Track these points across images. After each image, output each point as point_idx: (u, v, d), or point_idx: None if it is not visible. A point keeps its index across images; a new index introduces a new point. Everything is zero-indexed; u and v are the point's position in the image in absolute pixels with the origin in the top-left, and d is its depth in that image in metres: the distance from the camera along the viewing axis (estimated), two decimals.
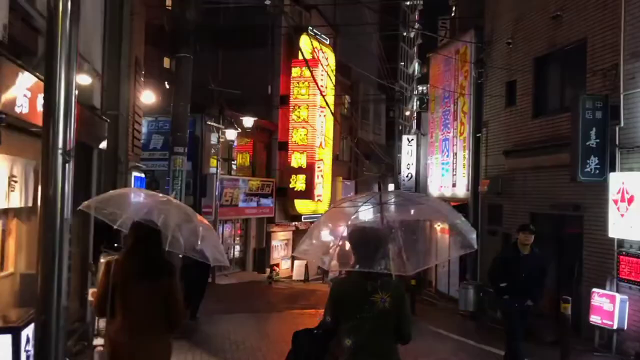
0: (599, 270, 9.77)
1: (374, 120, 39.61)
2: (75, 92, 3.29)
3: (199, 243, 4.40)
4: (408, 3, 51.25)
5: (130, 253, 4.00)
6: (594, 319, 8.78)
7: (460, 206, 14.76)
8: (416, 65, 52.71)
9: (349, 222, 3.47)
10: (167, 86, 14.99)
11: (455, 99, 15.50)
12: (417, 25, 53.44)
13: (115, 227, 4.44)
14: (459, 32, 16.64)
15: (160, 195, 5.07)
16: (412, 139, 19.03)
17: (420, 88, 53.04)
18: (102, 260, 6.84)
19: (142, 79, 13.23)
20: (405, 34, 50.03)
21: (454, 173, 15.40)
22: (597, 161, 9.26)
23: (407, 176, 19.21)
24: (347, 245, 3.47)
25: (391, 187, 41.64)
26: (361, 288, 3.31)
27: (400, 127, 52.01)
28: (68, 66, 3.13)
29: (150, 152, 22.52)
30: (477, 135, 14.35)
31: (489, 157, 13.92)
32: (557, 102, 11.60)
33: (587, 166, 9.26)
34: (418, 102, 55.87)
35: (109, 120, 8.72)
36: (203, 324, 11.20)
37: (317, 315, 13.43)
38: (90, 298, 6.75)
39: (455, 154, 15.33)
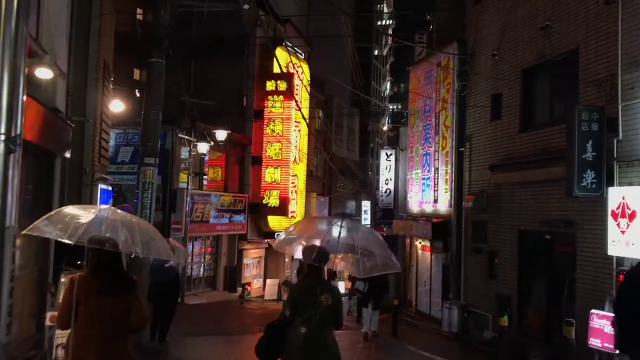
0: (593, 290, 9.33)
1: (347, 136, 39.26)
2: (24, 77, 2.80)
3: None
4: (381, 23, 51.35)
5: (94, 270, 4.09)
6: (594, 341, 8.28)
7: (443, 223, 14.28)
8: (388, 84, 52.69)
9: (311, 238, 4.91)
10: (138, 94, 14.20)
11: (437, 113, 15.10)
12: (389, 42, 53.52)
13: (72, 243, 4.27)
14: (439, 46, 16.33)
15: (103, 207, 4.86)
16: (391, 154, 18.57)
17: (391, 107, 53.00)
18: (62, 279, 6.06)
19: (111, 86, 12.46)
20: (376, 52, 49.97)
21: (436, 188, 14.93)
22: (593, 175, 8.85)
23: (385, 192, 18.71)
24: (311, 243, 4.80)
25: (366, 204, 41.27)
26: (313, 291, 4.58)
27: (372, 145, 51.86)
28: (15, 49, 2.97)
29: (117, 165, 21.56)
30: (460, 149, 13.93)
31: (473, 172, 13.49)
32: (546, 114, 11.24)
33: (584, 180, 8.84)
34: (389, 120, 55.87)
35: (73, 126, 7.95)
36: (172, 348, 10.39)
37: None
38: (48, 322, 5.94)
39: (437, 168, 14.88)
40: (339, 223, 4.94)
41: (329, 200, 35.20)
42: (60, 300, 4.45)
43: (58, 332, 5.75)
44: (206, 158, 23.11)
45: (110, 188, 12.26)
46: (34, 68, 5.28)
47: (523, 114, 11.78)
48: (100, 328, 3.94)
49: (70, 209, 4.46)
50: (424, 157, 15.79)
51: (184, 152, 21.56)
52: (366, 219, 41.08)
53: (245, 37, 25.65)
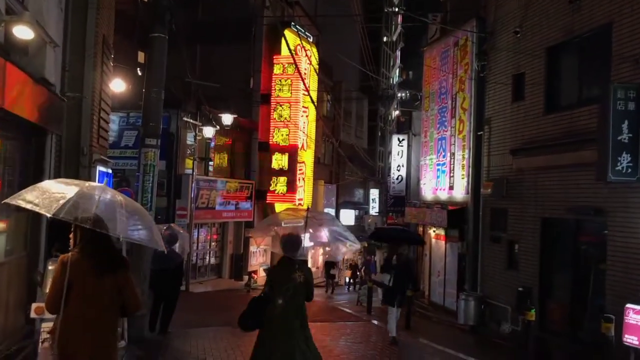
0: (625, 283, 8.67)
1: (356, 123, 38.54)
2: None
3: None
4: (391, 8, 50.36)
5: (84, 250, 3.89)
6: (629, 338, 7.63)
7: (459, 210, 13.61)
8: (397, 71, 51.80)
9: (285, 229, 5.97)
10: (140, 73, 13.55)
11: (454, 95, 14.38)
12: (399, 29, 52.61)
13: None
14: (455, 26, 15.56)
15: (92, 184, 4.34)
16: (403, 139, 17.87)
17: (400, 95, 52.16)
18: (50, 267, 5.47)
19: (112, 64, 11.81)
20: (385, 38, 49.06)
21: (451, 175, 14.24)
22: (629, 158, 8.16)
23: (397, 179, 18.03)
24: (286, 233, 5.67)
25: (374, 192, 40.65)
26: (288, 270, 5.39)
27: (383, 128, 51.16)
28: None
29: (121, 149, 21.02)
30: (479, 133, 13.23)
31: (492, 156, 12.80)
32: (574, 94, 10.52)
33: (619, 164, 8.16)
34: (398, 105, 55.05)
35: (66, 100, 7.32)
36: (174, 339, 9.81)
37: None
38: (33, 315, 5.35)
39: (453, 154, 14.18)
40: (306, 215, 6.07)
41: (337, 188, 34.55)
42: (48, 286, 4.05)
43: (44, 325, 5.15)
44: (212, 144, 22.49)
45: (110, 171, 11.66)
46: (12, 26, 4.64)
47: (548, 94, 11.06)
48: (93, 310, 3.80)
49: (52, 183, 3.94)
50: (439, 142, 15.09)
51: (190, 138, 20.93)
52: (374, 207, 40.52)
53: (252, 17, 24.96)
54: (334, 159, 34.76)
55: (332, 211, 33.82)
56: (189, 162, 20.59)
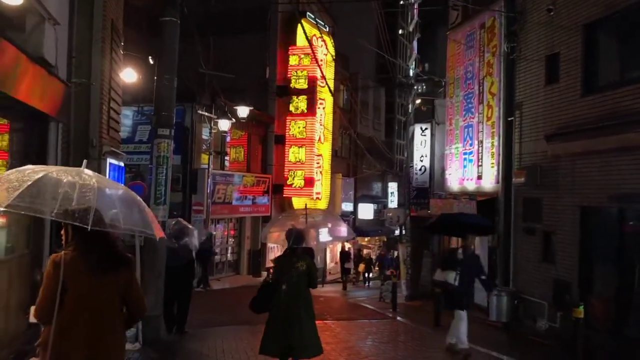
0: None
1: (373, 115, 37.82)
2: None
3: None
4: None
5: (80, 247, 3.33)
6: None
7: (488, 201, 12.89)
8: (414, 62, 50.85)
9: (291, 225, 6.77)
10: (152, 61, 13.00)
11: (481, 80, 13.63)
12: (416, 19, 51.55)
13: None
14: (478, 6, 14.80)
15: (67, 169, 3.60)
16: (426, 128, 17.14)
17: (416, 87, 51.16)
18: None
19: (122, 52, 11.26)
20: (401, 31, 48.09)
21: (480, 164, 13.51)
22: None
23: (420, 169, 17.32)
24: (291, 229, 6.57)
25: (392, 185, 39.90)
26: (291, 260, 6.25)
27: (397, 126, 50.26)
28: None
29: (135, 144, 20.60)
30: (509, 119, 12.48)
31: (524, 143, 12.05)
32: (616, 73, 9.75)
33: None
34: (416, 96, 54.08)
35: (70, 85, 6.76)
36: (191, 340, 9.29)
37: (325, 328, 11.50)
38: (32, 319, 4.78)
39: (481, 141, 13.45)
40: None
41: (355, 181, 33.90)
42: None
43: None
44: (228, 138, 21.96)
45: (122, 164, 11.13)
46: None
47: (585, 74, 10.28)
48: (92, 316, 3.28)
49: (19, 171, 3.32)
50: (465, 130, 14.36)
51: (205, 133, 20.38)
52: (393, 201, 39.78)
53: (267, 6, 24.35)
54: (351, 152, 34.11)
55: (350, 205, 33.23)
56: (204, 157, 20.08)
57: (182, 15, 9.83)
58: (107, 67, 9.80)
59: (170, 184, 9.67)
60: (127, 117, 21.22)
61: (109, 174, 9.71)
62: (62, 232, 3.38)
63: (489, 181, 13.10)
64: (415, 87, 19.25)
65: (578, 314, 8.10)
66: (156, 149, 9.55)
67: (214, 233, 20.51)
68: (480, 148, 13.56)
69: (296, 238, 6.32)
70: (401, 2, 47.73)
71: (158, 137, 9.56)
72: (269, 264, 24.11)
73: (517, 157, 12.29)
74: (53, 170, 3.42)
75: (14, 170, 3.42)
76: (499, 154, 12.70)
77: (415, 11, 40.39)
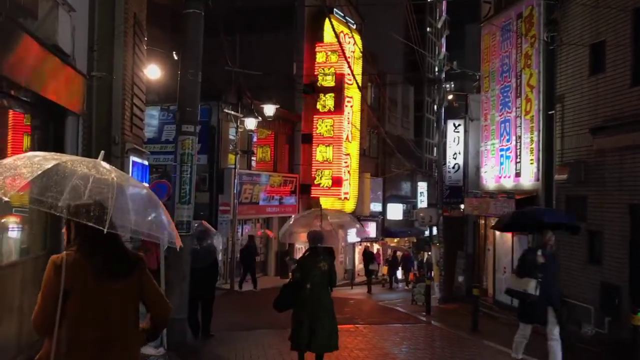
0: None
1: (402, 114, 37.15)
2: None
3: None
4: None
5: (83, 247, 2.88)
6: None
7: (528, 199, 12.23)
8: (443, 58, 50.06)
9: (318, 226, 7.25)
10: (175, 57, 12.66)
11: (518, 72, 12.98)
12: (444, 16, 50.72)
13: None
14: (505, 5, 14.17)
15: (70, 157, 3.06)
16: (459, 125, 16.51)
17: (445, 85, 50.41)
18: None
19: (145, 47, 10.95)
20: (429, 29, 47.38)
21: (518, 160, 12.86)
22: None
23: (453, 167, 16.70)
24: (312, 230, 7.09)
25: (422, 185, 39.16)
26: (314, 259, 6.61)
27: (437, 114, 49.43)
28: None
29: (162, 144, 20.38)
30: (549, 112, 11.82)
31: (566, 138, 11.38)
32: None
33: None
34: (445, 94, 53.20)
35: (87, 77, 6.41)
36: (218, 345, 8.90)
37: (357, 333, 10.98)
38: None
39: (519, 137, 12.80)
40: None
41: (383, 181, 33.29)
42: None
43: None
44: (255, 138, 21.63)
45: (146, 162, 10.81)
46: None
47: (636, 62, 9.59)
48: (99, 328, 2.82)
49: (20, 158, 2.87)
50: (502, 125, 13.71)
51: (231, 133, 20.03)
52: (422, 201, 39.03)
53: (293, 3, 24.00)
54: (379, 151, 33.51)
55: (378, 206, 32.66)
56: (231, 157, 19.76)
57: (206, 7, 9.45)
58: (130, 61, 9.48)
59: (195, 183, 9.23)
60: (153, 117, 21.06)
61: (132, 172, 9.39)
62: (64, 229, 2.94)
63: (528, 178, 12.44)
64: (444, 85, 18.59)
65: (637, 321, 7.44)
66: (180, 146, 9.12)
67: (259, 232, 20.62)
68: (518, 144, 12.91)
69: (315, 238, 6.75)
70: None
71: (182, 134, 9.15)
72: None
73: (558, 153, 11.62)
74: (67, 160, 2.95)
75: (20, 155, 2.98)
76: (539, 150, 12.04)
77: (444, 8, 39.58)
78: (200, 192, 20.29)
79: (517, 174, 12.92)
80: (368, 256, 24.62)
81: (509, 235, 13.40)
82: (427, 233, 39.91)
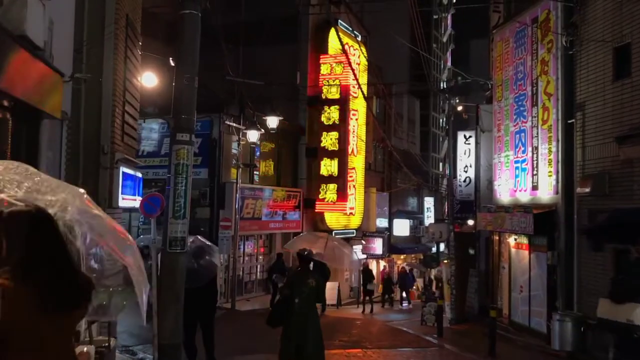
0: None
1: (408, 128, 36.48)
2: None
3: None
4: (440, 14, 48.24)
5: (23, 272, 2.06)
6: None
7: (546, 214, 11.48)
8: (447, 73, 49.66)
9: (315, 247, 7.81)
10: (172, 62, 12.02)
11: (534, 80, 12.29)
12: (449, 30, 50.47)
13: None
14: (519, 9, 13.53)
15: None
16: (470, 136, 15.81)
17: (451, 100, 49.93)
18: None
19: (139, 52, 10.32)
20: (435, 45, 46.96)
21: (535, 172, 12.12)
22: None
23: (464, 181, 15.96)
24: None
25: (429, 200, 38.36)
26: (304, 276, 6.95)
27: (447, 126, 48.75)
28: None
29: (161, 158, 19.74)
30: (569, 121, 11.12)
31: (587, 148, 10.66)
32: None
33: None
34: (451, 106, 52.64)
35: (65, 75, 5.75)
36: None
37: (366, 358, 10.21)
38: None
39: (536, 147, 12.07)
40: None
41: (389, 196, 32.52)
42: None
43: None
44: (258, 152, 20.98)
45: (139, 174, 10.12)
46: None
47: None
48: None
49: None
50: (517, 136, 13.00)
51: (234, 147, 19.36)
52: (429, 217, 38.18)
53: (297, 15, 23.51)
54: (385, 165, 32.80)
55: (385, 221, 31.85)
56: (232, 170, 19.08)
57: (207, 14, 8.84)
58: (121, 66, 8.84)
59: (190, 196, 8.46)
60: (153, 131, 20.48)
61: (123, 184, 8.70)
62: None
63: (546, 192, 11.69)
64: (449, 101, 17.87)
65: None
66: (174, 156, 8.37)
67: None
68: (534, 155, 12.18)
69: (306, 256, 7.21)
70: (435, 17, 46.50)
71: (177, 143, 8.42)
72: None
73: (579, 164, 10.90)
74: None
75: None
76: (558, 161, 11.32)
77: (449, 22, 39.09)
78: (201, 207, 19.61)
79: (534, 187, 12.18)
80: (367, 275, 22.76)
81: (525, 252, 12.63)
82: (434, 249, 39.27)
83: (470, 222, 19.12)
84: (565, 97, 11.25)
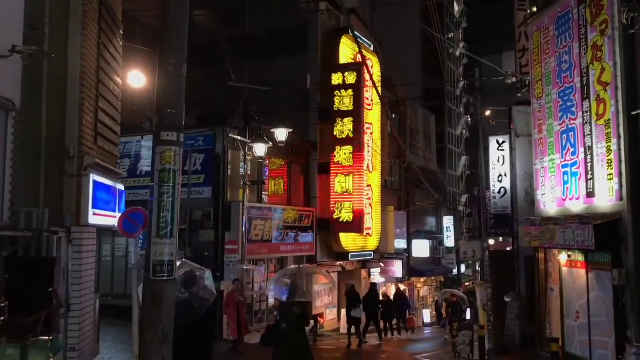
0: None
1: (424, 144, 34.74)
2: None
3: None
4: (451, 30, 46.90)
5: None
6: None
7: (608, 225, 9.59)
8: (461, 85, 48.15)
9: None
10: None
11: (583, 69, 10.55)
12: (462, 44, 49.05)
13: None
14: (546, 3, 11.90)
15: None
16: (504, 141, 14.02)
17: (466, 117, 48.47)
18: None
19: (120, 42, 8.72)
20: (450, 51, 45.56)
21: (589, 176, 10.28)
22: None
23: (499, 192, 14.12)
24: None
25: (448, 219, 36.43)
26: (288, 305, 9.72)
27: (447, 157, 47.15)
28: None
29: None
30: (633, 113, 9.33)
31: None
32: None
33: None
34: (466, 128, 51.06)
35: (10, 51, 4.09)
36: None
37: None
38: None
39: (589, 147, 10.26)
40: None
41: (407, 215, 30.64)
42: None
43: None
44: (266, 172, 19.33)
45: (122, 187, 8.42)
46: None
47: None
48: None
49: None
50: (564, 136, 11.19)
51: (241, 166, 17.65)
52: (449, 237, 36.21)
53: (306, 25, 22.13)
54: (402, 183, 31.00)
55: (403, 242, 29.93)
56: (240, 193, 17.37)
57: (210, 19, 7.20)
58: (92, 50, 7.21)
59: (179, 210, 6.62)
60: (145, 148, 18.74)
61: (94, 196, 6.99)
62: None
63: (607, 198, 9.84)
64: (477, 98, 16.09)
65: None
66: (159, 159, 6.57)
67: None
68: (588, 156, 10.37)
69: (293, 292, 11.35)
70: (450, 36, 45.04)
71: (162, 144, 6.64)
72: (316, 311, 20.88)
73: None
74: None
75: None
76: (620, 161, 9.49)
77: (461, 36, 37.60)
78: (205, 230, 17.89)
79: (590, 194, 10.33)
80: (351, 299, 17.66)
81: (581, 271, 10.72)
82: (455, 272, 37.19)
83: (501, 239, 17.26)
84: (627, 85, 9.47)
